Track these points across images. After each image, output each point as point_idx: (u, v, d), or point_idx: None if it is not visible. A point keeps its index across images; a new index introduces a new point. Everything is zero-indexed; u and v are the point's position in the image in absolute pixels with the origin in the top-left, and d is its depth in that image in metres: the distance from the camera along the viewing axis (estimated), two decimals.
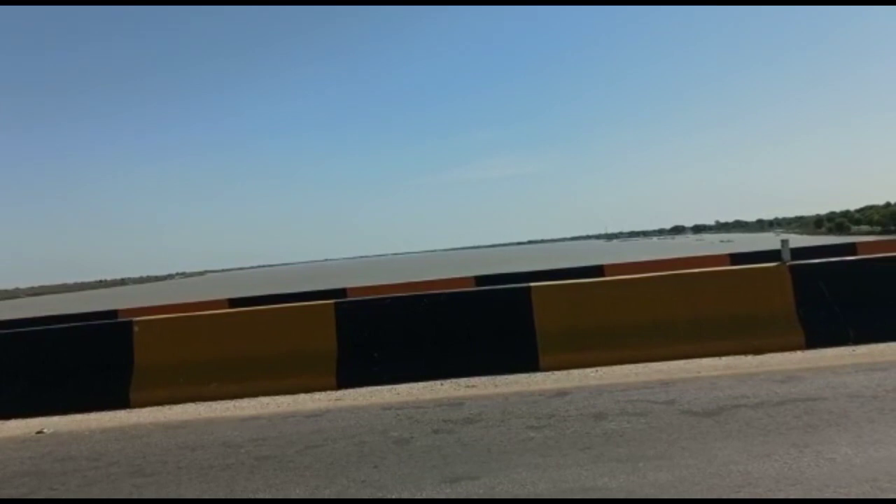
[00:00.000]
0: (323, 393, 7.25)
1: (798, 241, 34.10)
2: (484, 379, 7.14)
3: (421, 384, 7.17)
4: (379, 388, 7.17)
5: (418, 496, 4.02)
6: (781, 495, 3.57)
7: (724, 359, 7.10)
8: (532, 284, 7.89)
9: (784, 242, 8.25)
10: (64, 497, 4.59)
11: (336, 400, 6.92)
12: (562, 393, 6.22)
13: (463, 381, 7.16)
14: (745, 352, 7.20)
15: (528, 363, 7.36)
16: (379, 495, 4.08)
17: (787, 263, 7.78)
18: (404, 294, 9.42)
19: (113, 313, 15.09)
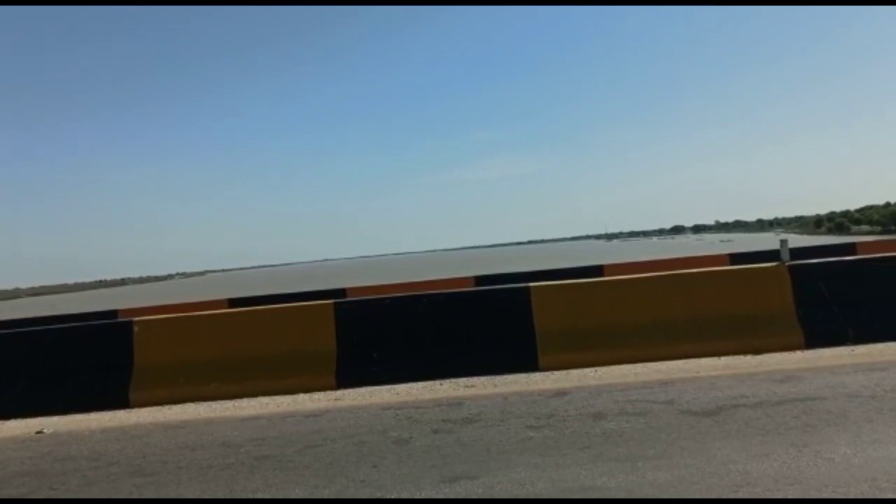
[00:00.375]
0: (322, 393, 7.25)
1: (798, 241, 34.10)
2: (483, 379, 7.15)
3: (420, 384, 7.17)
4: (378, 388, 7.18)
5: (417, 496, 4.03)
6: (780, 495, 3.57)
7: (723, 359, 7.10)
8: (531, 284, 7.89)
9: (783, 242, 8.26)
10: (64, 497, 4.60)
11: (335, 400, 6.93)
12: (561, 393, 6.22)
13: (462, 380, 7.17)
14: (744, 352, 7.21)
15: (528, 363, 7.37)
16: (378, 495, 4.09)
17: (787, 263, 7.79)
18: (404, 294, 9.43)
19: (113, 313, 15.11)
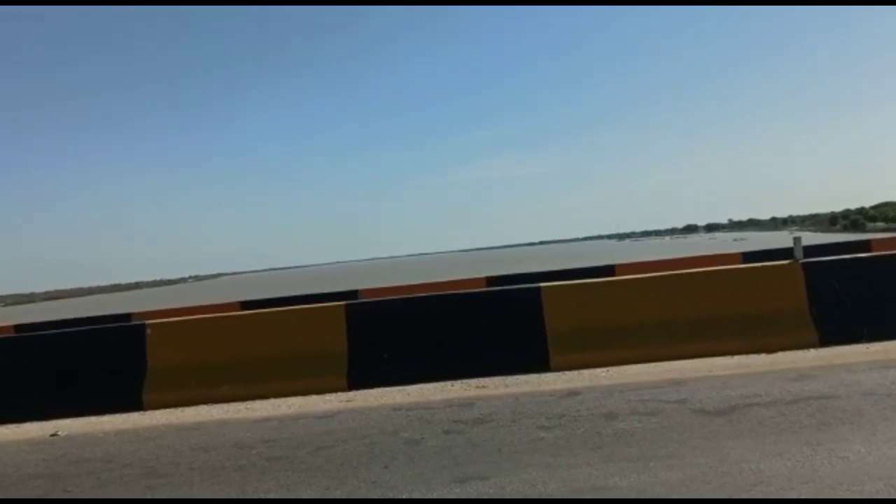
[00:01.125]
0: (334, 394, 7.26)
1: (812, 238, 33.89)
2: (495, 379, 7.14)
3: (431, 385, 7.17)
4: (389, 389, 7.18)
5: (428, 496, 4.03)
6: (794, 494, 3.54)
7: (735, 358, 7.06)
8: (542, 285, 7.87)
9: (796, 240, 8.21)
10: (78, 498, 4.63)
11: (347, 401, 6.94)
12: (572, 393, 6.21)
13: (473, 381, 7.16)
14: (757, 350, 7.16)
15: (539, 363, 7.35)
16: (389, 495, 4.09)
17: (800, 261, 7.73)
18: (415, 295, 9.44)
19: (127, 316, 15.22)
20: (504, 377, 7.16)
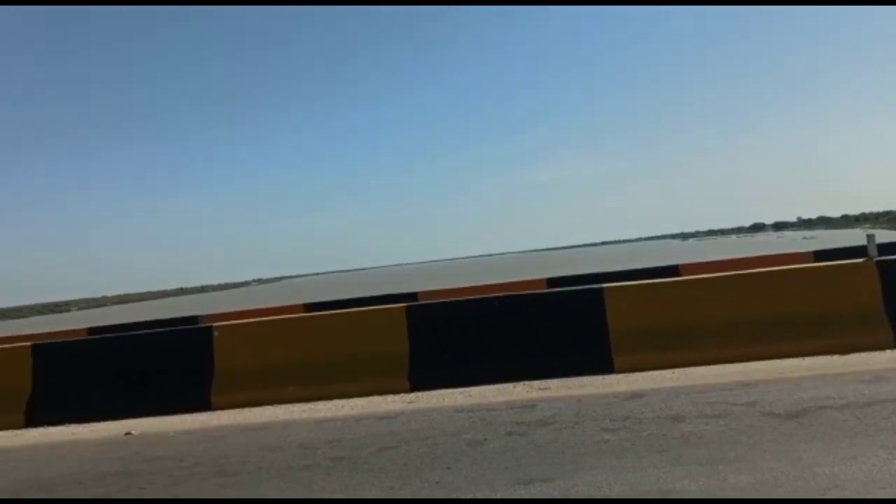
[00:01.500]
0: (396, 395, 7.33)
1: (887, 236, 32.56)
2: (557, 381, 7.09)
3: (493, 386, 7.16)
4: (451, 390, 7.21)
5: (492, 498, 4.02)
6: (870, 498, 3.42)
7: (807, 359, 6.85)
8: (605, 285, 7.79)
9: (870, 237, 7.93)
10: (152, 496, 4.79)
11: (409, 402, 6.98)
12: (637, 395, 6.12)
13: (535, 383, 7.13)
14: (829, 352, 6.93)
15: (602, 365, 7.27)
16: (453, 496, 4.10)
17: (875, 259, 7.46)
18: (475, 297, 9.45)
19: (194, 318, 15.62)
20: (566, 379, 7.11)
